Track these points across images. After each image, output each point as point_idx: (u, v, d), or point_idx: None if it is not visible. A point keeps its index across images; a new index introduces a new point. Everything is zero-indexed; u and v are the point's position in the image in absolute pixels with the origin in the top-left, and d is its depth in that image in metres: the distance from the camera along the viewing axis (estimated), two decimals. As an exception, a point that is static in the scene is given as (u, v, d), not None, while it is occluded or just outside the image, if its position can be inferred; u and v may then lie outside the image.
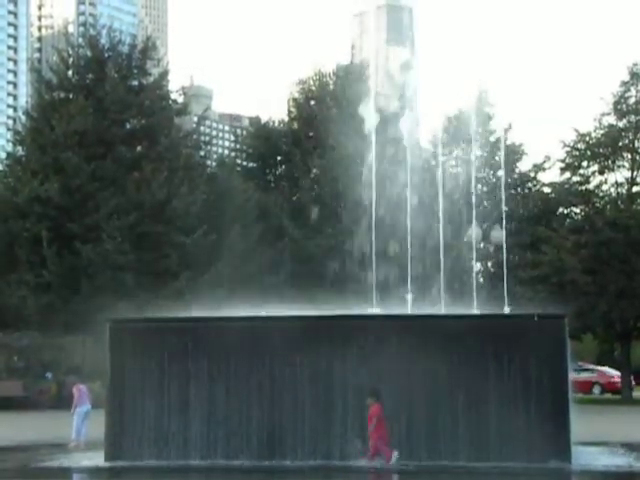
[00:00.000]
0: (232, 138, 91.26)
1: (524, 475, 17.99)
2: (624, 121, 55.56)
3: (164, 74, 58.42)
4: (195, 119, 67.02)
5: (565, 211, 58.54)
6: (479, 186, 60.10)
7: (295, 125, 66.89)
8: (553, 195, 57.81)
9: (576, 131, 56.04)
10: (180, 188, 51.29)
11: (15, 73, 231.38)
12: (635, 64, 55.49)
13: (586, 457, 20.45)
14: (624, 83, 55.57)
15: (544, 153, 61.60)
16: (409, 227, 27.51)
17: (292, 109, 67.94)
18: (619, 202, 54.95)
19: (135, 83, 56.38)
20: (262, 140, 66.31)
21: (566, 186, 56.35)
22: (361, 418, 19.32)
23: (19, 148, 57.98)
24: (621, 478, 18.61)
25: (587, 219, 54.15)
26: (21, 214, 50.76)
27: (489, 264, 55.92)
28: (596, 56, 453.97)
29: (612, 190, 56.19)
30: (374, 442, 19.16)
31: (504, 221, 41.57)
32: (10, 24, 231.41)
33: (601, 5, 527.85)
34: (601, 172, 55.76)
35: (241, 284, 45.71)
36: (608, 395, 58.71)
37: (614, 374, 61.58)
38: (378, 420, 19.12)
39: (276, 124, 68.23)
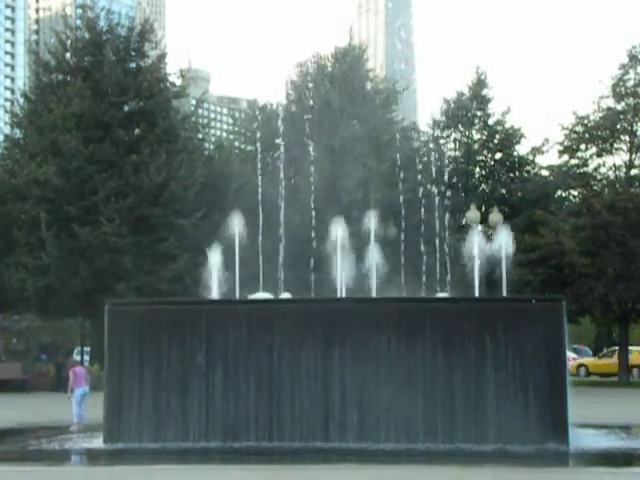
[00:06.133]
0: (230, 121, 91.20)
1: (522, 457, 18.04)
2: (622, 104, 55.50)
3: (162, 57, 58.20)
4: (193, 102, 66.87)
5: (563, 194, 58.54)
6: (477, 169, 60.18)
7: (293, 108, 66.75)
8: (551, 178, 57.79)
9: (575, 114, 55.99)
10: (178, 171, 51.19)
11: (13, 55, 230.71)
12: (634, 47, 55.42)
13: (583, 439, 20.53)
14: (623, 66, 55.48)
15: (542, 136, 61.61)
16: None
17: (290, 92, 67.81)
18: (617, 185, 54.94)
19: (133, 66, 56.15)
20: (260, 123, 66.14)
21: (564, 169, 56.32)
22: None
23: (17, 131, 57.86)
24: (618, 460, 18.67)
25: (585, 202, 54.09)
26: (19, 197, 50.72)
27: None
28: (595, 39, 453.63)
29: (610, 173, 56.21)
30: None
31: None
32: (8, 6, 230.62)
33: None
34: (599, 155, 55.75)
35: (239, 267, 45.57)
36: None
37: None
38: None
39: (274, 107, 68.08)
